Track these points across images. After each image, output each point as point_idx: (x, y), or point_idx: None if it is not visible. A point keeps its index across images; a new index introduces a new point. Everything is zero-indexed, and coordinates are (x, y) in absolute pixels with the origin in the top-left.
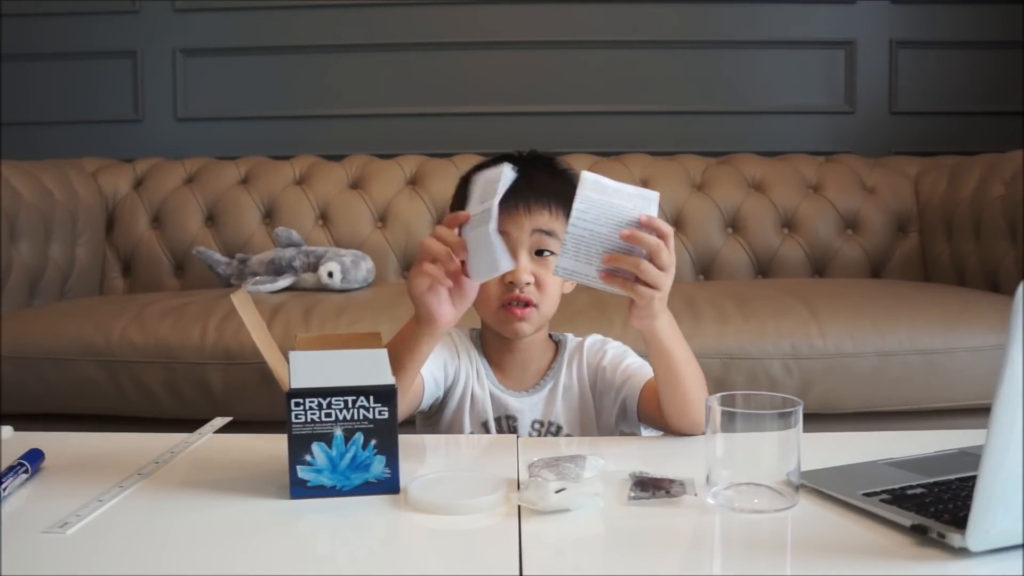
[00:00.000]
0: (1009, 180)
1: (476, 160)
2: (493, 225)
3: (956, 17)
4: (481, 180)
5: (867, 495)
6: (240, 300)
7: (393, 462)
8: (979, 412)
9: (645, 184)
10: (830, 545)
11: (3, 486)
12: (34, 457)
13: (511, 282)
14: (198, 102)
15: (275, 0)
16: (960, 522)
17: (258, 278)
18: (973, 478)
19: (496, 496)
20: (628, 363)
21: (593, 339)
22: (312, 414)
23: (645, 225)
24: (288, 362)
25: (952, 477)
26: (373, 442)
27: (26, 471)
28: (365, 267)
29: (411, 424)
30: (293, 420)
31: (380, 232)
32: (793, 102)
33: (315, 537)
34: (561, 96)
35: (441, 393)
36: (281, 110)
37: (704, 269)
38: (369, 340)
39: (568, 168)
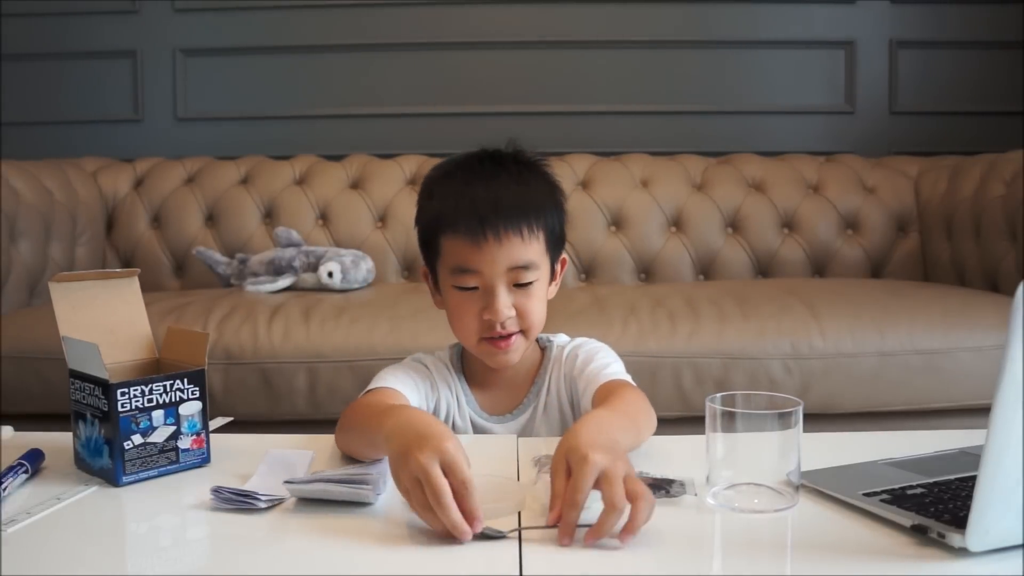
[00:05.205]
0: (1009, 180)
1: None
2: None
3: (956, 17)
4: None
5: (867, 495)
6: (62, 290)
7: (117, 454)
8: (979, 412)
9: (645, 184)
10: (830, 545)
11: (3, 486)
12: (34, 457)
13: (489, 320)
14: (198, 102)
15: (275, 0)
16: (960, 522)
17: (258, 278)
18: (973, 478)
19: (518, 501)
20: (591, 368)
21: (571, 347)
22: (78, 394)
23: None
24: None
25: (952, 477)
26: (102, 430)
27: (26, 471)
28: (365, 267)
29: None
30: (71, 397)
31: (380, 232)
32: (793, 102)
33: (311, 538)
34: (561, 96)
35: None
36: (281, 110)
37: (704, 269)
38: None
39: (539, 160)
